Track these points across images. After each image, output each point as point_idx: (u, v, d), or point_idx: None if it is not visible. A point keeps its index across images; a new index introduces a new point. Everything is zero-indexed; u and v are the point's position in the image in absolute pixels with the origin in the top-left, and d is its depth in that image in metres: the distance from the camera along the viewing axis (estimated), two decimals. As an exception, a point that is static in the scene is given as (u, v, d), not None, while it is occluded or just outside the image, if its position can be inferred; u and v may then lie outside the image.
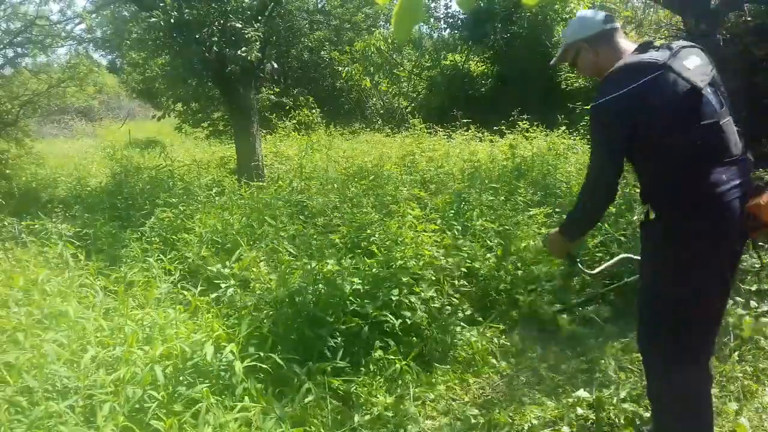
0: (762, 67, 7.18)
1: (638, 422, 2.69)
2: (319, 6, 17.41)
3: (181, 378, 2.43)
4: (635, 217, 4.26)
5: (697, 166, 2.02)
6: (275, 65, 9.50)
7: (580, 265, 2.76)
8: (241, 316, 3.20)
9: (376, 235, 4.26)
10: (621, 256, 2.99)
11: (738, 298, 3.37)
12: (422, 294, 3.58)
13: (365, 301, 3.37)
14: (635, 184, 3.59)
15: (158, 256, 4.35)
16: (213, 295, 3.53)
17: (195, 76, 8.52)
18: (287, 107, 14.30)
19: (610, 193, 2.16)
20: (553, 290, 3.90)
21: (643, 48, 2.16)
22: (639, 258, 2.31)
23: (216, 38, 6.79)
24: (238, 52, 6.88)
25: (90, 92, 14.88)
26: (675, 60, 2.07)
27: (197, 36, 6.73)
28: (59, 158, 12.00)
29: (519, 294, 3.94)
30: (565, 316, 3.64)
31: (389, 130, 12.37)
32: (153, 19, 6.39)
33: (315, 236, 4.62)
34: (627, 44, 2.23)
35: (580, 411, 2.76)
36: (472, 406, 2.89)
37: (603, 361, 3.16)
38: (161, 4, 6.40)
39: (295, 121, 12.61)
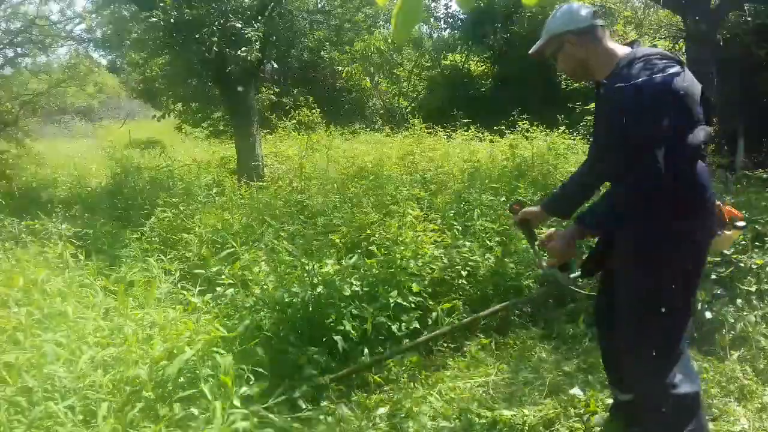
0: (762, 67, 7.18)
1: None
2: (319, 6, 17.39)
3: (179, 380, 2.42)
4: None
5: (694, 168, 2.00)
6: (275, 65, 9.50)
7: (577, 275, 2.35)
8: (242, 316, 3.20)
9: (376, 236, 4.26)
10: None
11: (738, 299, 3.37)
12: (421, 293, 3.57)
13: (363, 303, 3.37)
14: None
15: (158, 256, 4.35)
16: (208, 296, 3.53)
17: (195, 76, 8.52)
18: (287, 107, 14.31)
19: (659, 182, 1.90)
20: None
21: (636, 46, 2.12)
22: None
23: (216, 38, 6.79)
24: (238, 52, 6.89)
25: (90, 92, 14.88)
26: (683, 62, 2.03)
27: (197, 36, 6.73)
28: (59, 158, 12.00)
29: (519, 293, 3.94)
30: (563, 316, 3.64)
31: (389, 130, 12.38)
32: (153, 19, 6.39)
33: (315, 236, 4.62)
34: (615, 44, 2.16)
35: (573, 411, 2.76)
36: (471, 406, 2.89)
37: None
38: (161, 4, 6.40)
39: (295, 121, 12.61)
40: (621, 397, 2.47)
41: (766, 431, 2.61)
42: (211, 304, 3.36)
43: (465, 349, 3.52)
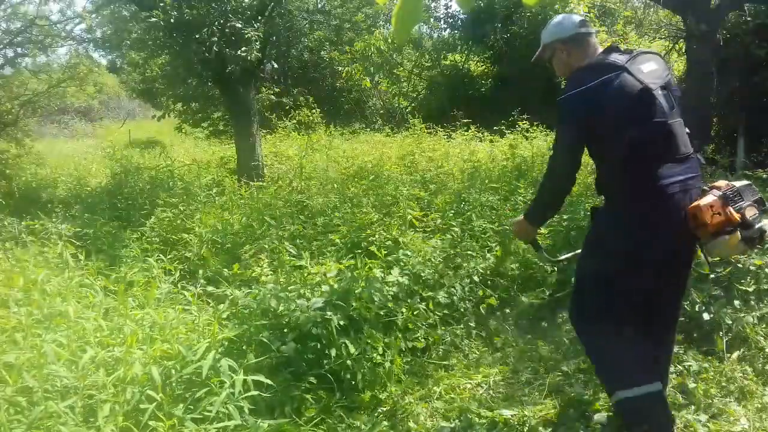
0: (762, 67, 7.18)
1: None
2: (319, 6, 17.40)
3: (180, 380, 2.42)
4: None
5: (644, 160, 2.21)
6: (275, 65, 9.51)
7: (544, 252, 2.92)
8: (245, 318, 3.20)
9: (377, 236, 4.26)
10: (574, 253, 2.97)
11: (736, 300, 3.37)
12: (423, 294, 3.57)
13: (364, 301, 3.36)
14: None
15: (158, 256, 4.35)
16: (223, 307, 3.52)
17: (195, 76, 8.52)
18: (287, 107, 14.30)
19: (568, 181, 2.39)
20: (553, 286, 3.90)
21: (609, 51, 2.35)
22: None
23: (216, 38, 6.79)
24: (238, 52, 6.88)
25: (90, 92, 14.87)
26: (633, 63, 2.26)
27: (197, 36, 6.72)
28: (59, 158, 12.00)
29: (519, 294, 3.94)
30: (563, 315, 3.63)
31: (389, 130, 12.38)
32: (153, 19, 6.39)
33: (315, 236, 4.62)
34: (597, 48, 2.42)
35: (572, 411, 2.76)
36: (471, 406, 2.89)
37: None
38: (161, 4, 6.40)
39: (295, 121, 12.61)
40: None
41: (766, 431, 2.61)
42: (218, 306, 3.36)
43: (465, 348, 3.52)
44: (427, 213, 4.92)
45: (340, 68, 16.03)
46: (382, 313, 3.30)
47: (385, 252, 3.95)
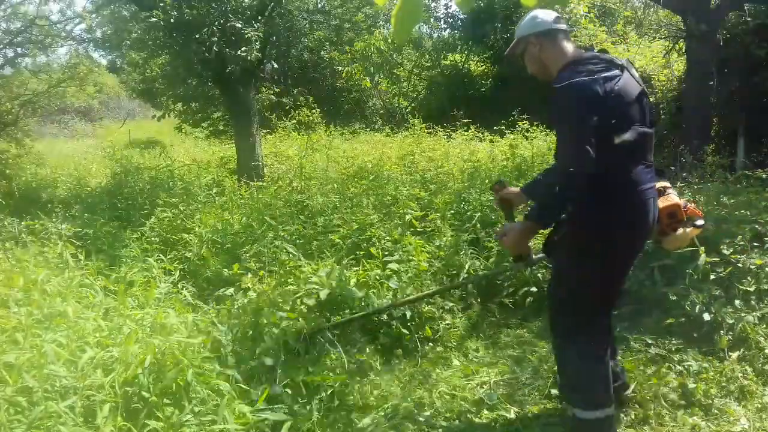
0: (762, 67, 7.17)
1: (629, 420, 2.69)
2: (319, 6, 17.40)
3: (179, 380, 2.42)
4: None
5: (627, 163, 2.21)
6: (275, 65, 9.51)
7: (533, 260, 2.62)
8: (241, 319, 3.20)
9: (377, 236, 4.26)
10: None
11: (737, 300, 3.37)
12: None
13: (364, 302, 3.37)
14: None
15: (158, 256, 4.35)
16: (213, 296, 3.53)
17: (195, 76, 8.52)
18: (287, 107, 14.30)
19: (585, 180, 2.10)
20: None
21: (587, 51, 2.35)
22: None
23: (216, 38, 6.79)
24: (238, 52, 6.88)
25: (90, 92, 14.87)
26: (627, 64, 2.27)
27: (197, 36, 6.72)
28: (59, 158, 12.00)
29: (519, 293, 3.94)
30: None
31: (389, 130, 12.37)
32: (153, 19, 6.39)
33: (315, 236, 4.62)
34: (570, 46, 2.38)
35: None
36: (472, 406, 2.89)
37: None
38: (161, 4, 6.39)
39: (295, 121, 12.61)
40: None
41: (766, 431, 2.61)
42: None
43: (465, 348, 3.52)
44: (427, 213, 4.92)
45: (340, 68, 16.02)
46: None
47: (385, 253, 3.95)
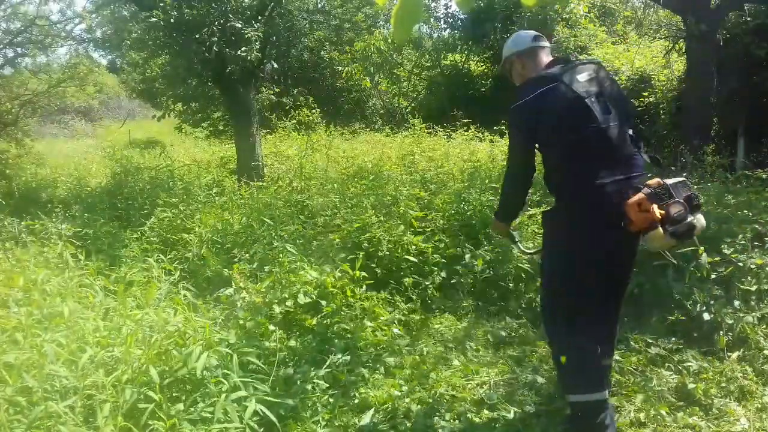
0: (762, 67, 7.17)
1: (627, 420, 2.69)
2: (319, 6, 17.38)
3: (178, 380, 2.42)
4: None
5: (579, 161, 2.42)
6: (275, 65, 9.50)
7: (519, 244, 3.25)
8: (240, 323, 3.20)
9: (377, 236, 4.26)
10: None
11: (737, 300, 3.37)
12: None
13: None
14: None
15: (158, 256, 4.34)
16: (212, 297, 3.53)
17: (195, 76, 8.49)
18: (287, 107, 14.30)
19: (524, 182, 2.66)
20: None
21: (553, 64, 2.61)
22: None
23: (216, 38, 6.78)
24: (238, 52, 6.88)
25: (90, 92, 14.87)
26: (568, 74, 2.47)
27: (197, 36, 6.72)
28: (59, 158, 11.99)
29: (519, 293, 3.94)
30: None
31: (389, 130, 12.36)
32: (153, 19, 6.38)
33: (315, 236, 4.62)
34: (546, 62, 2.66)
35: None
36: (472, 406, 2.89)
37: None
38: (161, 4, 6.39)
39: (295, 121, 12.59)
40: None
41: (766, 431, 2.61)
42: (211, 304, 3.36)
43: (465, 348, 3.52)
44: (427, 213, 4.92)
45: (340, 68, 16.01)
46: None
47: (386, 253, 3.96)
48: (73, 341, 2.55)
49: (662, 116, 8.67)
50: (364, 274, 3.80)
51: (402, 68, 16.96)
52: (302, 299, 3.40)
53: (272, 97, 12.92)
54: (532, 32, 2.72)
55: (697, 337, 3.31)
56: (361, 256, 3.96)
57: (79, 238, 4.60)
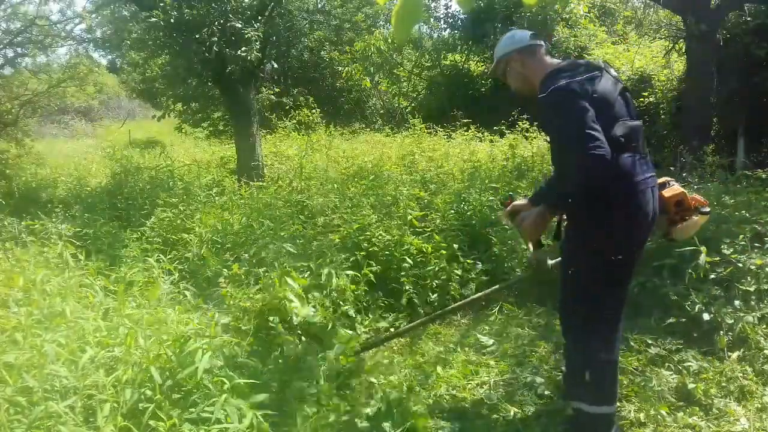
0: (762, 67, 7.17)
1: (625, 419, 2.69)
2: (319, 6, 17.39)
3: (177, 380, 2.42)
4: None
5: (620, 157, 2.26)
6: (275, 65, 9.50)
7: (546, 255, 2.76)
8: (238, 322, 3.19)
9: (377, 236, 4.26)
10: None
11: (736, 300, 3.37)
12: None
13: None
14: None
15: (158, 256, 4.34)
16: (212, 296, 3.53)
17: (195, 76, 8.50)
18: (287, 107, 14.30)
19: (600, 164, 2.12)
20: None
21: (565, 60, 2.52)
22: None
23: (216, 38, 6.78)
24: (238, 52, 6.88)
25: (90, 92, 14.87)
26: (606, 66, 2.43)
27: (197, 36, 6.72)
28: (59, 158, 11.99)
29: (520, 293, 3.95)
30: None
31: (389, 130, 12.36)
32: (153, 19, 6.38)
33: (315, 236, 4.62)
34: (549, 58, 2.55)
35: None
36: (472, 406, 2.90)
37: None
38: (161, 4, 6.39)
39: (295, 121, 12.60)
40: None
41: (766, 431, 2.61)
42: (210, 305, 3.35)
43: (466, 348, 3.52)
44: (427, 213, 4.92)
45: (340, 68, 16.02)
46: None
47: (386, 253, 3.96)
48: (74, 341, 2.54)
49: (662, 116, 8.68)
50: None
51: (402, 68, 16.96)
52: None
53: (272, 97, 12.92)
54: (527, 31, 2.64)
55: (697, 337, 3.31)
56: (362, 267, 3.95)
57: (79, 238, 4.60)
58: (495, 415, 2.79)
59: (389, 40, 15.68)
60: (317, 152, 8.76)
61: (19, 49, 9.48)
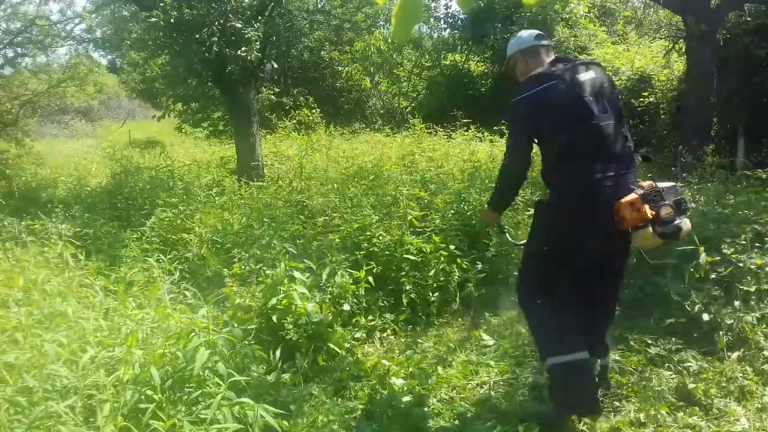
0: (762, 67, 7.17)
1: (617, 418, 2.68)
2: (319, 6, 17.38)
3: (176, 380, 2.42)
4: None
5: (576, 156, 2.55)
6: (275, 65, 9.49)
7: (507, 235, 3.29)
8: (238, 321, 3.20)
9: (377, 237, 4.26)
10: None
11: (736, 300, 3.36)
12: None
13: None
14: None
15: (158, 256, 4.34)
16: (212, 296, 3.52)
17: (195, 76, 8.49)
18: (287, 107, 14.29)
19: (519, 174, 2.77)
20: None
21: (555, 62, 2.72)
22: None
23: (216, 38, 6.78)
24: (238, 52, 6.87)
25: (90, 92, 14.86)
26: (569, 72, 2.59)
27: (197, 36, 6.71)
28: (59, 158, 11.99)
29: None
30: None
31: (389, 130, 12.36)
32: (153, 19, 6.38)
33: (315, 236, 4.62)
34: (548, 58, 2.78)
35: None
36: (472, 406, 2.89)
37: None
38: (161, 4, 6.39)
39: (295, 121, 12.59)
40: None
41: (766, 431, 2.61)
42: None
43: (466, 348, 3.52)
44: (427, 213, 4.92)
45: (340, 68, 16.01)
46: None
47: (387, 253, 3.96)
48: (74, 341, 2.54)
49: (662, 116, 8.67)
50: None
51: (402, 68, 16.95)
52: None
53: (272, 97, 12.92)
54: (535, 31, 2.85)
55: (697, 337, 3.31)
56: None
57: (79, 238, 4.60)
58: (495, 415, 2.79)
59: (389, 40, 15.67)
60: (317, 152, 8.75)
61: (19, 49, 9.47)
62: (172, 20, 6.45)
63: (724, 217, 4.00)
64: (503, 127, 9.35)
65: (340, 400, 2.99)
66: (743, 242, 3.64)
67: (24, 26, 9.12)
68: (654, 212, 2.44)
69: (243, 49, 6.89)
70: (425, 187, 5.79)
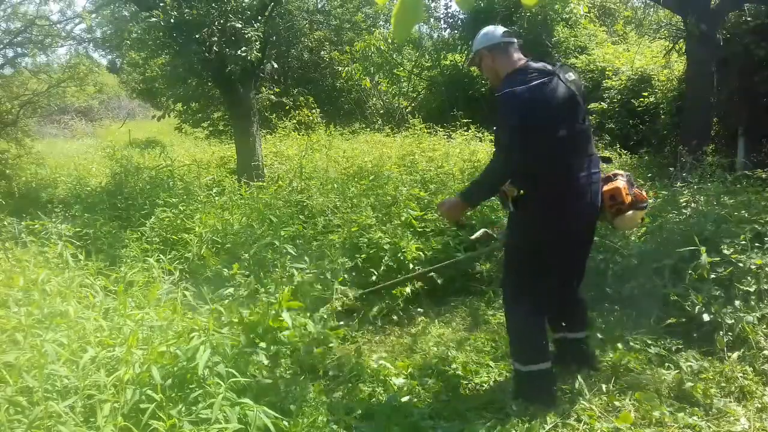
0: (762, 67, 7.17)
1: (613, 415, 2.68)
2: (319, 6, 17.38)
3: (176, 380, 2.42)
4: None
5: (564, 155, 2.62)
6: (275, 65, 9.48)
7: (464, 231, 3.35)
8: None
9: (377, 237, 4.26)
10: (483, 230, 3.59)
11: (737, 300, 3.36)
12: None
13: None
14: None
15: (158, 256, 4.34)
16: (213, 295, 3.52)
17: (195, 76, 8.51)
18: (287, 107, 14.29)
19: (508, 174, 2.73)
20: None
21: (533, 60, 2.74)
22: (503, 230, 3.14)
23: (216, 38, 6.78)
24: (238, 52, 6.87)
25: (90, 92, 14.87)
26: (560, 70, 2.67)
27: (197, 36, 6.71)
28: (59, 158, 11.98)
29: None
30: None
31: (389, 130, 12.35)
32: (153, 19, 6.38)
33: (315, 236, 4.62)
34: (519, 56, 2.80)
35: (570, 408, 2.76)
36: (473, 406, 2.90)
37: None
38: (161, 4, 6.39)
39: (295, 121, 12.59)
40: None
41: (766, 431, 2.61)
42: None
43: (465, 348, 3.52)
44: (427, 213, 4.92)
45: (340, 68, 16.01)
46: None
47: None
48: (74, 341, 2.54)
49: (662, 116, 8.67)
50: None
51: (402, 68, 16.95)
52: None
53: (272, 97, 12.91)
54: (501, 28, 2.86)
55: (696, 337, 3.31)
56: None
57: (79, 238, 4.60)
58: (495, 415, 2.79)
59: (389, 40, 15.66)
60: (317, 152, 8.75)
61: (19, 49, 9.47)
62: (172, 20, 6.45)
63: (724, 218, 4.00)
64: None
65: (340, 400, 2.99)
66: (743, 242, 3.64)
67: (24, 26, 9.12)
68: (631, 197, 2.76)
69: (243, 49, 6.89)
70: (425, 187, 5.79)
